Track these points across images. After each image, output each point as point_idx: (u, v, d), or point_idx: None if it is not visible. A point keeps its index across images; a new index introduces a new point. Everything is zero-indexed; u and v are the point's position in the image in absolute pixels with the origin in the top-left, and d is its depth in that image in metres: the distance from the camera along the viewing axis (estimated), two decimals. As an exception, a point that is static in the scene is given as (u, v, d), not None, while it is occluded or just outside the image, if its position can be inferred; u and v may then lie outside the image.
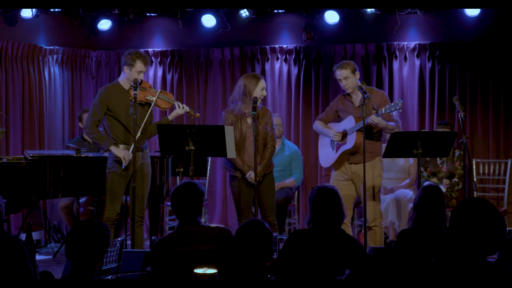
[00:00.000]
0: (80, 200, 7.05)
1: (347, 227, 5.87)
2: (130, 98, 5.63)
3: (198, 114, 5.89)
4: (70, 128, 8.26)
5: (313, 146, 8.04)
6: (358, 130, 5.83)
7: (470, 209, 2.73)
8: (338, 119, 6.15)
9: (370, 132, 5.92)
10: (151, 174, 5.92)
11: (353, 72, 5.93)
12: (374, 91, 6.01)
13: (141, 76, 5.73)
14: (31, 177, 5.92)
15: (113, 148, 5.68)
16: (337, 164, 6.05)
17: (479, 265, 2.69)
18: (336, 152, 6.04)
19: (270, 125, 5.85)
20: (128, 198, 6.27)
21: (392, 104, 5.77)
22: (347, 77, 5.91)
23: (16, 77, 7.70)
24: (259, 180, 5.77)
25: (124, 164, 5.63)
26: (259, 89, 5.73)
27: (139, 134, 5.59)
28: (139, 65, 5.69)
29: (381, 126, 5.81)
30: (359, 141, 5.82)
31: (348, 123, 5.97)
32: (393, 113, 5.82)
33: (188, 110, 5.82)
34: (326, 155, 6.18)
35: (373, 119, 5.70)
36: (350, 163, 6.00)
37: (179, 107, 5.81)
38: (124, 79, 5.77)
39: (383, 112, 5.76)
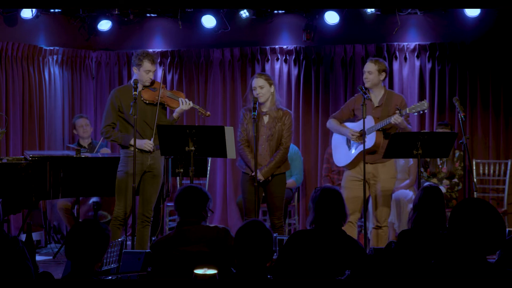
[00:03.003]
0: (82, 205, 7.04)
1: (352, 227, 5.88)
2: (142, 99, 5.71)
3: (208, 113, 5.91)
4: (70, 129, 8.24)
5: (313, 147, 8.04)
6: (378, 130, 5.87)
7: (469, 210, 2.73)
8: (353, 118, 6.15)
9: (387, 133, 5.95)
10: (162, 176, 5.93)
11: (379, 71, 5.98)
12: (394, 94, 6.09)
13: (150, 75, 5.79)
14: (31, 178, 5.92)
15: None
16: (353, 164, 6.04)
17: (479, 265, 2.69)
18: (354, 151, 6.04)
19: (288, 127, 5.90)
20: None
21: (418, 104, 5.81)
22: (370, 71, 5.97)
23: (16, 77, 7.70)
24: (267, 180, 5.80)
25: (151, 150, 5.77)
26: (252, 90, 5.86)
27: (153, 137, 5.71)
28: (146, 64, 5.74)
29: (401, 126, 5.84)
30: (378, 140, 5.89)
31: (367, 122, 5.96)
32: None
33: (192, 105, 5.84)
34: (342, 154, 6.15)
35: (397, 118, 5.73)
36: (366, 163, 5.98)
37: (182, 103, 5.83)
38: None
39: (407, 112, 5.81)
